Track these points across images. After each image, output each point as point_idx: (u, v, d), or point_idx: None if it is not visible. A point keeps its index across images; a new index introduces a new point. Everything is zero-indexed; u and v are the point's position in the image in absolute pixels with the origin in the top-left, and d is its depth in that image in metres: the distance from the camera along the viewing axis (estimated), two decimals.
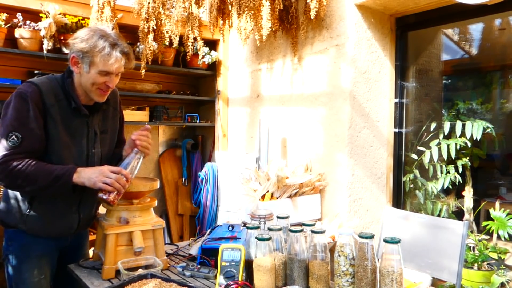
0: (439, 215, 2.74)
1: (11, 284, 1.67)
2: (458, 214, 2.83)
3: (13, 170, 1.47)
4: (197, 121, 3.52)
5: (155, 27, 2.52)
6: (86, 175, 1.53)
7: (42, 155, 1.57)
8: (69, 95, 1.61)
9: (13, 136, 1.49)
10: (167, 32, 2.56)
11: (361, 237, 1.30)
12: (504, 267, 2.38)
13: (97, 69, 1.55)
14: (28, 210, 1.61)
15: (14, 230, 1.65)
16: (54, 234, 1.68)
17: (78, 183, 1.53)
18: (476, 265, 2.44)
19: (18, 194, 1.62)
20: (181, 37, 2.64)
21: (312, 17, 2.42)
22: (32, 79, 1.61)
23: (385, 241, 1.28)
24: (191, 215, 3.61)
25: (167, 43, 2.72)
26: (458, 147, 2.64)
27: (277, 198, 2.44)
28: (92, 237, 2.80)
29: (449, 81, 3.55)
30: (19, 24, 2.54)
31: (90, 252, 2.59)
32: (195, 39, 2.63)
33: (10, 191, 1.64)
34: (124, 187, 1.55)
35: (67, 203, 1.66)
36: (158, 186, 1.77)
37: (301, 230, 1.44)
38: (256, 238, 1.44)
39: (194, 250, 1.83)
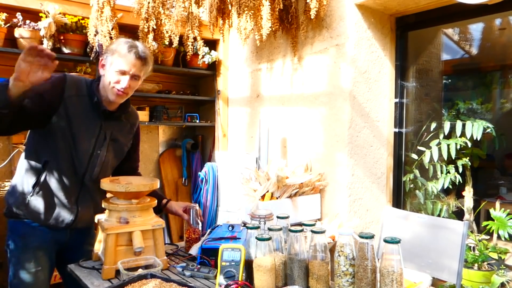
0: (439, 215, 2.74)
1: (10, 275, 1.74)
2: (458, 214, 2.83)
3: None
4: (197, 121, 3.52)
5: (155, 27, 2.52)
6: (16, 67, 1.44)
7: (46, 144, 1.69)
8: (92, 93, 1.74)
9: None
10: (167, 32, 2.56)
11: (361, 237, 1.30)
12: (504, 267, 2.38)
13: (114, 68, 1.69)
14: (31, 194, 1.70)
15: (14, 221, 1.75)
16: (52, 223, 1.74)
17: (14, 90, 1.44)
18: (476, 265, 2.44)
19: (24, 179, 1.72)
20: (181, 37, 2.64)
21: (312, 17, 2.42)
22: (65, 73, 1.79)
23: (385, 241, 1.27)
24: None
25: (167, 43, 2.72)
26: (458, 147, 2.64)
27: (277, 198, 2.44)
28: None
29: (449, 81, 3.55)
30: (19, 24, 2.54)
31: None
32: (195, 39, 2.62)
33: (18, 176, 1.74)
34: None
35: (66, 194, 1.74)
36: (158, 186, 1.77)
37: (301, 230, 1.44)
38: (256, 238, 1.44)
39: (194, 250, 1.83)
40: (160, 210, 2.00)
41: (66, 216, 1.76)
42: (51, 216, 1.73)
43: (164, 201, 2.02)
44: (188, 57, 2.90)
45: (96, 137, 1.77)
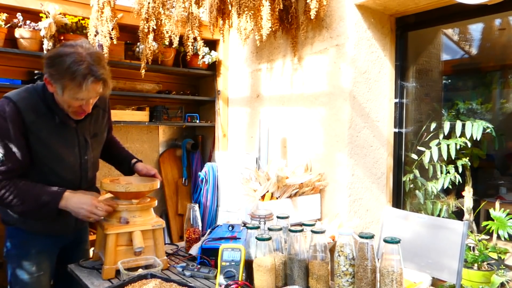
0: (439, 215, 2.74)
1: (11, 280, 1.69)
2: (458, 214, 2.83)
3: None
4: (197, 121, 3.52)
5: (155, 27, 2.52)
6: (74, 205, 1.55)
7: (32, 169, 1.57)
8: (51, 109, 1.55)
9: None
10: (167, 32, 2.56)
11: (361, 237, 1.30)
12: (504, 267, 2.38)
13: (70, 96, 1.48)
14: None
15: (14, 227, 1.68)
16: (54, 232, 1.71)
17: (63, 208, 1.55)
18: (476, 265, 2.44)
19: None
20: (181, 37, 2.64)
21: (312, 17, 2.42)
22: (10, 94, 1.53)
23: (385, 241, 1.28)
24: None
25: (167, 43, 2.72)
26: (458, 147, 2.64)
27: (277, 198, 2.44)
28: (92, 237, 2.81)
29: (449, 81, 3.55)
30: (19, 24, 2.54)
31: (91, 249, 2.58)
32: (195, 39, 2.63)
33: None
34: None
35: None
36: (158, 186, 1.77)
37: (301, 230, 1.44)
38: (256, 238, 1.44)
39: (194, 250, 1.83)
40: (131, 171, 1.94)
41: (67, 223, 1.73)
42: (53, 228, 1.69)
43: (133, 161, 1.94)
44: (188, 57, 2.91)
45: (77, 145, 1.67)
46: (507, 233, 2.38)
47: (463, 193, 2.82)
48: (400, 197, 2.74)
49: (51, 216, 1.56)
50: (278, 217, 1.67)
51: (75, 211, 1.56)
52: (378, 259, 1.31)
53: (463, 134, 2.63)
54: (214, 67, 3.50)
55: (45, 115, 1.55)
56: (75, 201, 1.56)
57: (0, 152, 1.47)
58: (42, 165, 1.59)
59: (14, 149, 1.50)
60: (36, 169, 1.59)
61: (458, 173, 2.72)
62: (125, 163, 1.95)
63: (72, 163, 1.66)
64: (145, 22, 2.48)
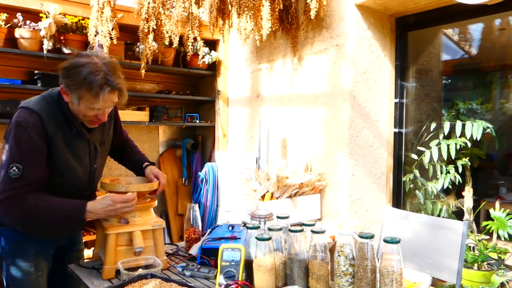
0: (439, 215, 2.74)
1: (8, 283, 1.66)
2: (458, 214, 2.83)
3: (18, 209, 1.45)
4: (197, 121, 3.52)
5: (155, 27, 2.52)
6: (102, 212, 1.54)
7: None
8: (67, 119, 1.56)
9: (14, 168, 1.44)
10: (167, 32, 2.56)
11: (361, 237, 1.30)
12: (504, 267, 2.38)
13: (86, 106, 1.49)
14: None
15: (10, 229, 1.64)
16: (50, 237, 1.70)
17: (89, 218, 1.54)
18: (476, 265, 2.44)
19: None
20: (181, 37, 2.64)
21: (312, 17, 2.42)
22: (30, 105, 1.52)
23: (385, 241, 1.28)
24: None
25: (167, 43, 2.72)
26: (458, 147, 2.64)
27: (277, 198, 2.44)
28: (92, 237, 2.82)
29: (449, 81, 3.55)
30: (19, 24, 2.54)
31: (86, 250, 2.60)
32: (195, 39, 2.63)
33: None
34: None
35: None
36: (158, 187, 1.77)
37: (301, 230, 1.44)
38: (256, 238, 1.44)
39: (194, 250, 1.83)
40: (141, 172, 1.92)
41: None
42: (48, 233, 1.66)
43: (144, 164, 1.91)
44: (188, 57, 2.91)
45: (88, 154, 1.67)
46: (507, 233, 2.38)
47: (463, 193, 2.82)
48: (400, 197, 2.74)
49: (78, 229, 1.55)
50: (278, 217, 1.67)
51: (106, 215, 1.56)
52: (378, 259, 1.31)
53: (463, 134, 2.63)
54: (214, 67, 3.50)
55: (63, 126, 1.55)
56: (99, 207, 1.54)
57: (19, 166, 1.44)
58: (56, 174, 1.57)
59: (35, 160, 1.48)
60: (49, 180, 1.57)
61: (458, 173, 2.72)
62: (137, 168, 1.94)
63: (83, 172, 1.66)
64: (145, 22, 2.48)
